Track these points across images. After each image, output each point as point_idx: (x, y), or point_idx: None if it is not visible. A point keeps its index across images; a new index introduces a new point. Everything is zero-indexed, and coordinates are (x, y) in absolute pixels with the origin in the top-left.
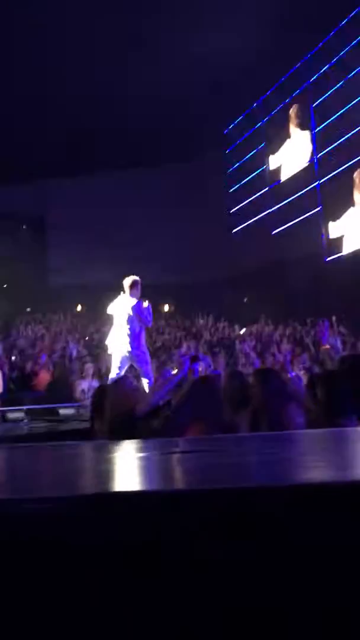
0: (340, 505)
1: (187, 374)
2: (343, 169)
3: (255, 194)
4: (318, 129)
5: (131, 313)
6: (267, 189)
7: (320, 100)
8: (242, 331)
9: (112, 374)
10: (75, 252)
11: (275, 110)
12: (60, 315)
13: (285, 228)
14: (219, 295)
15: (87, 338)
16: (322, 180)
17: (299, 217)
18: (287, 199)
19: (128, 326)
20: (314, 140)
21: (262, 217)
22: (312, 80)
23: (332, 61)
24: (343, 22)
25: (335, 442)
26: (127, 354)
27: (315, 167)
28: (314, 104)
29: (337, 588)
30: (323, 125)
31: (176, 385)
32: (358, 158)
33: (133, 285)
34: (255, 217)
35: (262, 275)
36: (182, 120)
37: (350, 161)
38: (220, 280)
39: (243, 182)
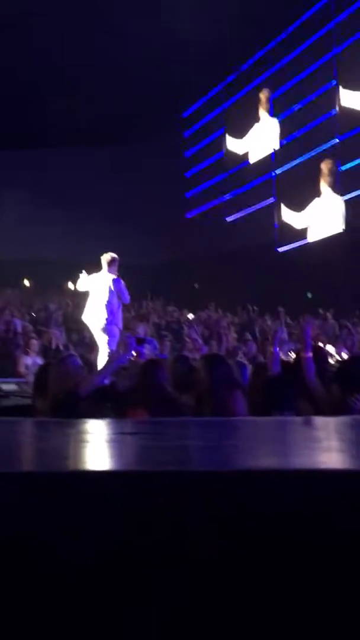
0: (281, 493)
1: (132, 356)
2: (303, 160)
3: (212, 180)
4: (278, 117)
5: (112, 288)
6: (224, 175)
7: (281, 90)
8: (191, 316)
9: (102, 349)
10: (23, 227)
11: (238, 96)
12: (7, 290)
13: (239, 216)
14: (170, 279)
15: (32, 314)
16: (280, 171)
17: (254, 205)
18: (243, 186)
19: (106, 301)
20: None
21: (217, 203)
22: (274, 69)
23: (295, 51)
24: (306, 15)
25: (275, 430)
26: (103, 328)
27: (272, 156)
28: (274, 94)
29: (275, 573)
30: (283, 115)
31: (121, 367)
32: (320, 149)
33: (112, 262)
34: (210, 202)
35: (214, 262)
36: (142, 102)
37: (311, 152)
38: (171, 263)
39: (200, 166)
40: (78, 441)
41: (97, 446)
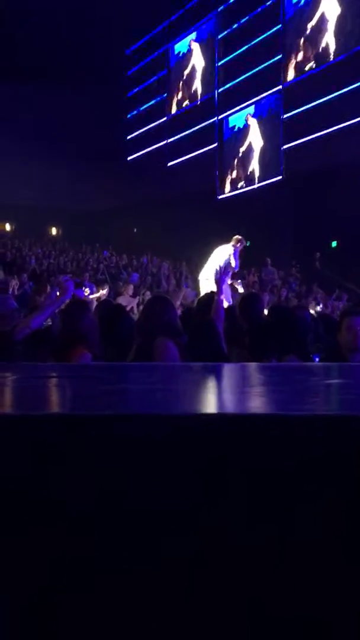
0: (214, 436)
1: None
2: (246, 105)
3: (154, 123)
4: (221, 62)
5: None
6: (166, 118)
7: (225, 32)
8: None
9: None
10: None
11: (181, 37)
12: None
13: (181, 161)
14: (109, 224)
15: None
16: (222, 116)
17: (196, 151)
18: (185, 131)
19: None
20: (216, 73)
21: (158, 147)
22: (219, 10)
23: None
24: None
25: (212, 376)
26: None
27: (216, 102)
28: (219, 36)
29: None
30: (227, 58)
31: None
32: (258, 99)
33: (237, 242)
34: (152, 146)
35: (154, 207)
36: (83, 37)
37: (254, 97)
38: (111, 208)
39: (142, 108)
40: (8, 384)
41: (25, 390)
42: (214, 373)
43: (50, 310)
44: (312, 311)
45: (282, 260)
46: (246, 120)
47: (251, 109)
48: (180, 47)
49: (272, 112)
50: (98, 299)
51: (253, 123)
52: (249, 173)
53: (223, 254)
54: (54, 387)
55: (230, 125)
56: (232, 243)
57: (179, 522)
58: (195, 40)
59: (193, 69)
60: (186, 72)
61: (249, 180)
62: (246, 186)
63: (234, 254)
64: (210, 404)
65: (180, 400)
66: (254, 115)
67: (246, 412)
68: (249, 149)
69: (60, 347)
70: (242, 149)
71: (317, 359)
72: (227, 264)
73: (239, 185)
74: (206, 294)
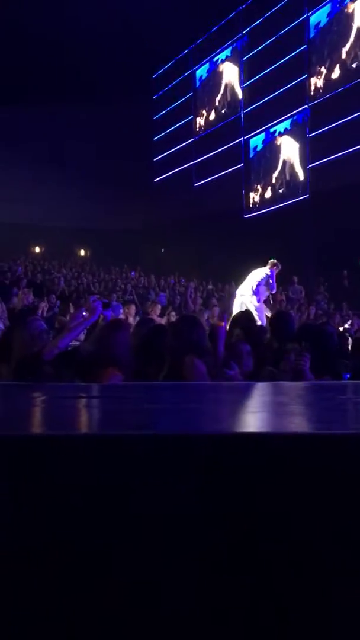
0: (244, 455)
1: (98, 319)
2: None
3: (180, 144)
4: (247, 83)
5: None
6: (192, 140)
7: (250, 53)
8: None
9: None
10: None
11: (207, 60)
12: None
13: (207, 181)
14: (136, 245)
15: None
16: (247, 137)
17: (222, 172)
18: (211, 152)
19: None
20: (241, 93)
21: (185, 168)
22: (244, 32)
23: (264, 15)
24: None
25: (240, 394)
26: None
27: (242, 122)
28: (243, 58)
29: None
30: (252, 80)
31: (87, 331)
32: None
33: (273, 266)
34: (178, 167)
35: (181, 227)
36: (112, 63)
37: (280, 117)
38: (138, 229)
39: (168, 130)
40: (39, 404)
41: (55, 410)
42: (239, 392)
43: (78, 331)
44: (340, 328)
45: (309, 278)
46: (272, 140)
47: (277, 129)
48: (205, 69)
49: (297, 131)
50: (125, 319)
51: (278, 142)
52: (275, 192)
53: (259, 275)
54: (83, 408)
55: (256, 145)
56: (268, 266)
57: (199, 538)
58: (220, 62)
59: (218, 90)
60: (211, 93)
61: (275, 199)
62: (272, 205)
63: (271, 276)
64: (229, 423)
65: (200, 420)
66: (279, 135)
67: (271, 431)
68: (275, 168)
69: (90, 367)
70: (268, 169)
71: (347, 377)
72: (265, 284)
73: (265, 204)
74: (239, 312)
